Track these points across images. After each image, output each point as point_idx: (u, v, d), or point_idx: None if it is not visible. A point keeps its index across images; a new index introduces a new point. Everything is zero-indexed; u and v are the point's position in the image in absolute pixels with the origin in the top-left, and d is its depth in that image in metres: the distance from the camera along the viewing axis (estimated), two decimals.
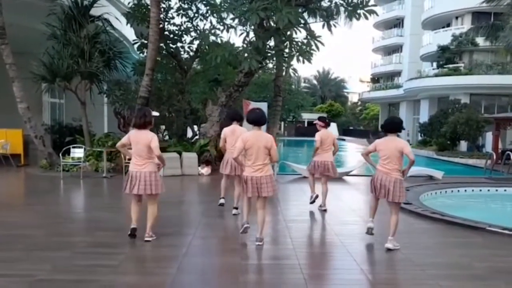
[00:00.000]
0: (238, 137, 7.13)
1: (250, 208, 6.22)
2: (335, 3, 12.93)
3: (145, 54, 15.44)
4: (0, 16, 12.29)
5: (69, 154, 12.72)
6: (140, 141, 5.82)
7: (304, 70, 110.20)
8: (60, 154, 12.44)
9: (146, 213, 6.02)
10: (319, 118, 8.47)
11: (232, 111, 8.90)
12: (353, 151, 29.74)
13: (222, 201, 8.18)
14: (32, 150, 14.61)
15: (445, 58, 31.85)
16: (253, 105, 15.02)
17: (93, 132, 15.39)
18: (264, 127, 6.15)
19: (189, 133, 18.75)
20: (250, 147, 5.72)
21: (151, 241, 5.91)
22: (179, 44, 16.37)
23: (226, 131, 7.88)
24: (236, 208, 7.77)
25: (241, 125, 8.04)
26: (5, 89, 14.01)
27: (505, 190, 11.94)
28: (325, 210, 8.27)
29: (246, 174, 5.83)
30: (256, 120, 5.86)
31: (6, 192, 10.69)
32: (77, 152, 12.74)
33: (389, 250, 5.75)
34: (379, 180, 5.92)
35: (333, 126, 50.78)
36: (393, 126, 5.97)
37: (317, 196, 8.39)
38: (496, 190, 12.00)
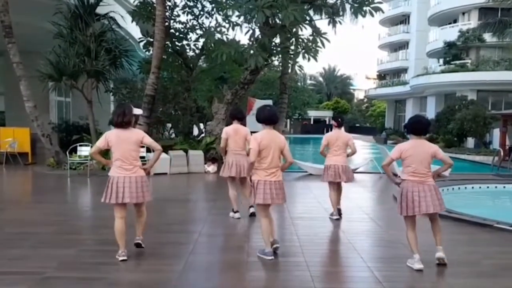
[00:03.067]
0: (242, 137, 7.00)
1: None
2: (341, 0, 12.89)
3: (151, 52, 15.48)
4: (7, 15, 12.36)
5: (76, 152, 12.77)
6: (127, 140, 5.04)
7: (310, 67, 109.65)
8: (67, 152, 12.50)
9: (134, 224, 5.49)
10: (333, 117, 7.96)
11: (234, 109, 8.35)
12: (359, 149, 29.62)
13: (237, 215, 7.31)
14: (39, 149, 14.69)
15: (452, 54, 31.66)
16: (258, 102, 15.01)
17: (99, 130, 15.44)
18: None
19: (195, 131, 18.79)
20: (264, 148, 5.11)
21: (159, 234, 5.92)
22: (184, 42, 16.43)
23: (228, 130, 7.17)
24: (237, 212, 7.33)
25: (243, 124, 7.52)
26: (12, 88, 14.09)
27: None
28: (338, 219, 7.47)
29: (258, 178, 5.18)
30: (269, 118, 5.24)
31: (14, 190, 10.77)
32: (84, 150, 12.78)
33: (442, 261, 5.03)
34: (416, 192, 4.95)
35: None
36: (421, 127, 5.12)
37: (338, 219, 7.47)
38: (504, 187, 11.91)
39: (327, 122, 54.95)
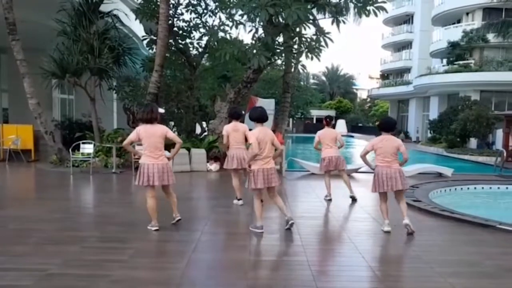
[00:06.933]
0: (242, 133, 8.04)
1: (263, 209, 6.40)
2: None
3: (154, 50, 15.49)
4: (11, 12, 12.39)
5: (78, 150, 12.81)
6: (155, 134, 6.12)
7: (313, 67, 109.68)
8: (70, 150, 12.55)
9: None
10: (325, 117, 9.24)
11: (231, 109, 9.23)
12: (361, 148, 29.60)
13: (240, 202, 8.29)
14: (42, 146, 14.74)
15: (455, 54, 31.57)
16: (260, 101, 15.04)
17: (102, 128, 15.49)
18: (266, 123, 6.52)
19: (198, 130, 18.80)
20: (261, 141, 6.13)
21: (162, 231, 6.11)
22: (188, 40, 16.40)
23: (227, 128, 8.16)
24: (240, 199, 8.28)
25: (241, 121, 8.40)
26: (16, 85, 14.12)
27: None
28: (354, 198, 8.93)
29: (256, 167, 6.16)
30: (260, 117, 6.32)
31: (17, 187, 10.82)
32: (87, 148, 12.82)
33: (408, 225, 6.31)
34: (384, 174, 6.43)
35: (342, 123, 50.75)
36: (391, 126, 6.62)
37: (330, 200, 8.93)
38: (507, 188, 11.91)
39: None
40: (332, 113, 55.09)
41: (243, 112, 8.80)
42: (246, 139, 7.71)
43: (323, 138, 8.80)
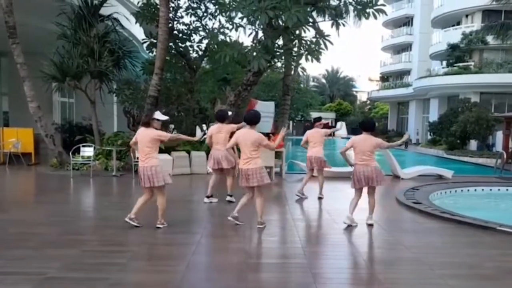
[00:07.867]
0: (225, 134, 8.41)
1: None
2: (344, 1, 12.85)
3: (154, 53, 15.49)
4: (11, 16, 12.41)
5: (79, 153, 12.80)
6: (144, 138, 6.39)
7: (313, 69, 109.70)
8: (70, 153, 12.54)
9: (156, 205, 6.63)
10: (314, 119, 10.00)
11: (218, 111, 9.62)
12: None
13: (214, 200, 8.81)
14: (43, 149, 14.74)
15: (455, 56, 31.62)
16: (260, 104, 15.05)
17: (102, 131, 15.49)
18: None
19: (198, 132, 18.79)
20: (239, 143, 6.55)
21: (161, 234, 6.01)
22: (188, 43, 16.39)
23: (212, 128, 8.68)
24: (231, 196, 8.73)
25: (234, 123, 8.70)
26: (16, 88, 14.13)
27: None
28: (320, 198, 9.35)
29: (239, 166, 6.70)
30: (251, 119, 6.61)
31: (17, 191, 10.81)
32: (87, 151, 12.82)
33: (370, 225, 6.96)
34: (361, 172, 6.83)
35: (342, 125, 50.66)
36: (371, 126, 7.02)
37: (303, 194, 9.48)
38: (507, 190, 11.89)
39: (330, 124, 54.87)
40: (332, 115, 55.16)
41: (229, 113, 9.00)
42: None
43: (310, 137, 9.35)
